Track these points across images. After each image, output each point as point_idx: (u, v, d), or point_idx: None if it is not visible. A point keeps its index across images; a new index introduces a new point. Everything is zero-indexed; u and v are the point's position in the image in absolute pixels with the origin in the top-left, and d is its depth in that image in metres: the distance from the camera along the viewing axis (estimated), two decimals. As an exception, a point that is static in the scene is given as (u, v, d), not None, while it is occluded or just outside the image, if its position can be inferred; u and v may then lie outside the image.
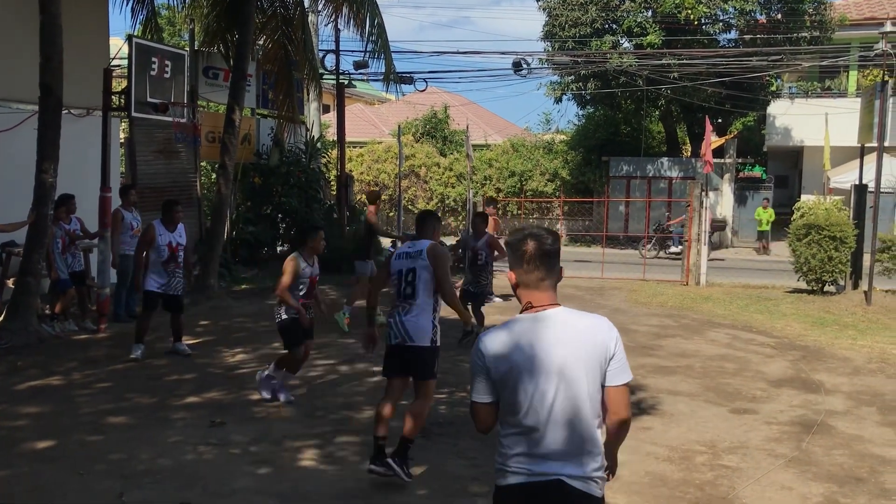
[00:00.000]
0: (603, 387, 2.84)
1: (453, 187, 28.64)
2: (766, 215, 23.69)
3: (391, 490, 5.36)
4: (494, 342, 2.86)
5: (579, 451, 2.80)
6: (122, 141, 16.11)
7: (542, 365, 2.79)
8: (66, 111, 10.58)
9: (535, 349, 2.80)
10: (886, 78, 14.81)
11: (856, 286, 14.38)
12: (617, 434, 2.95)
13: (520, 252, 2.89)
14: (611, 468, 3.06)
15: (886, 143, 14.29)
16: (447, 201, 28.73)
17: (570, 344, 2.80)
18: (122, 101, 12.05)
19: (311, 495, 5.25)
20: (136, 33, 13.65)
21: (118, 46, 14.57)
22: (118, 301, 10.85)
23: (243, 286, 14.13)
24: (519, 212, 26.77)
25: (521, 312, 2.92)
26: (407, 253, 5.60)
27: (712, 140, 20.72)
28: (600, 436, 2.87)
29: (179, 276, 9.11)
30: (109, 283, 10.75)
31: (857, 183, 15.56)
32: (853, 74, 26.07)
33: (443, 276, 5.50)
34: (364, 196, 13.06)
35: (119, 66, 15.14)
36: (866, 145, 15.17)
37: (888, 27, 15.18)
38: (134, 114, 12.16)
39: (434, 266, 5.48)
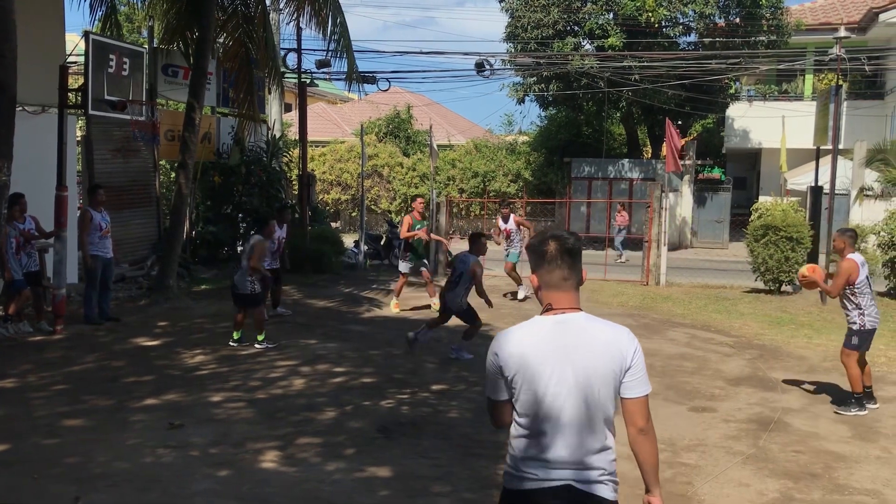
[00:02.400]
0: (621, 398, 2.83)
1: (416, 187, 28.61)
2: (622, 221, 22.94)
3: (352, 491, 5.34)
4: (511, 341, 2.83)
5: (589, 458, 2.77)
6: (79, 139, 15.83)
7: (556, 369, 2.75)
8: (21, 108, 10.37)
9: (551, 353, 2.77)
10: (840, 82, 15.10)
11: (811, 286, 14.64)
12: (641, 446, 2.88)
13: (541, 252, 2.86)
14: (649, 490, 2.94)
15: (841, 146, 14.59)
16: (410, 201, 28.71)
17: (588, 351, 2.77)
18: (79, 98, 11.84)
19: (272, 498, 5.20)
20: (94, 30, 13.42)
21: (75, 43, 14.32)
22: (89, 303, 10.66)
23: (203, 286, 13.97)
24: (482, 212, 26.85)
25: (541, 314, 2.88)
26: None
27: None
28: (613, 442, 2.84)
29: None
30: (66, 284, 10.57)
31: (812, 185, 15.86)
32: (809, 78, 26.58)
33: None
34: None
35: (75, 62, 14.88)
36: (821, 148, 15.48)
37: (842, 32, 15.46)
38: (91, 112, 11.94)
39: None
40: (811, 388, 7.99)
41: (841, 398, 7.78)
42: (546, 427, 2.76)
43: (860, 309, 7.55)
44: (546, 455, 2.76)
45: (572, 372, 2.75)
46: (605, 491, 2.77)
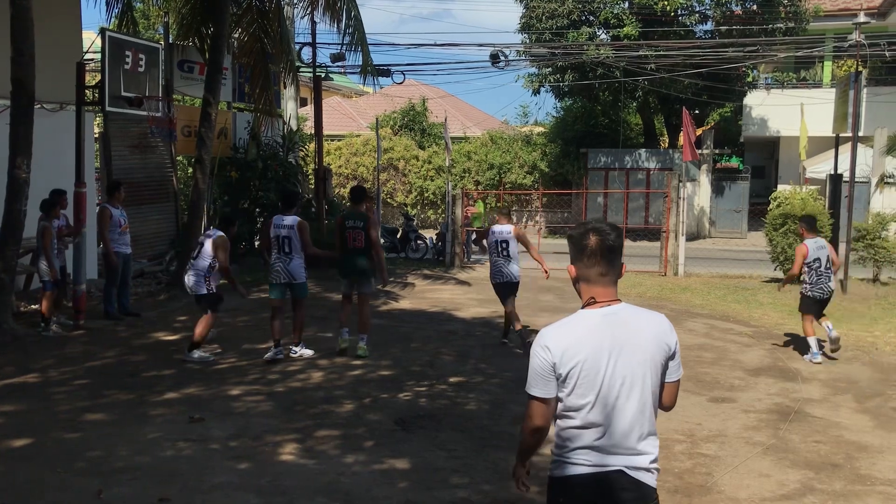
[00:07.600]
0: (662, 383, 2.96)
1: (432, 180, 28.62)
2: (479, 209, 20.74)
3: (371, 483, 5.35)
4: (563, 337, 2.84)
5: (640, 444, 2.86)
6: (97, 136, 15.93)
7: (612, 361, 2.82)
8: (39, 106, 10.44)
9: (606, 344, 2.83)
10: (860, 69, 14.93)
11: (831, 275, 14.52)
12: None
13: (581, 246, 2.89)
14: None
15: (860, 133, 14.46)
16: (426, 194, 28.71)
17: (639, 342, 2.87)
18: (96, 95, 11.90)
19: (291, 490, 5.23)
20: (110, 27, 13.48)
21: (91, 40, 14.38)
22: (109, 298, 10.74)
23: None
24: (498, 204, 26.79)
25: (583, 307, 2.92)
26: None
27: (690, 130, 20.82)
28: (655, 428, 2.93)
29: None
30: (85, 279, 10.64)
31: (832, 173, 15.71)
32: (828, 65, 26.28)
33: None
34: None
35: (92, 59, 14.96)
36: (841, 135, 15.32)
37: (861, 18, 15.27)
38: (108, 108, 11.99)
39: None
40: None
41: None
42: (602, 416, 2.82)
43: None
44: (602, 442, 2.83)
45: (627, 362, 2.83)
46: (650, 479, 2.87)
